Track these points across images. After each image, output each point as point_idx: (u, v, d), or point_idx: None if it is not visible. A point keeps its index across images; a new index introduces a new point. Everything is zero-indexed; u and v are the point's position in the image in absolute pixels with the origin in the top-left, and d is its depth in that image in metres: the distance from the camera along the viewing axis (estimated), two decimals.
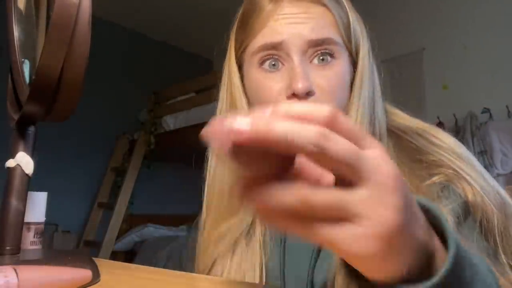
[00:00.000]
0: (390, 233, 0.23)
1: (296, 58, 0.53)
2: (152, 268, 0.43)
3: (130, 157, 3.21)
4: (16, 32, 0.42)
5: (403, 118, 0.59)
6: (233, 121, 0.23)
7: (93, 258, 0.44)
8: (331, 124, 0.23)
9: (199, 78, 2.72)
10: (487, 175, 0.51)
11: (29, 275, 0.31)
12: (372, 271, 0.25)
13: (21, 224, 0.40)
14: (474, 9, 2.77)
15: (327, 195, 0.23)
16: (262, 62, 0.55)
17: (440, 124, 2.55)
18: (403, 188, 0.24)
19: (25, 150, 0.40)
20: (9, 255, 0.38)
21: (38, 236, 0.48)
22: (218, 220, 0.59)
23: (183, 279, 0.39)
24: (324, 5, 0.55)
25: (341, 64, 0.55)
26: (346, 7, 0.56)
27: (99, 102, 3.01)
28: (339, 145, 0.22)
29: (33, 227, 0.48)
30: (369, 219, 0.23)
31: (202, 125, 0.24)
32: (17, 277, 0.30)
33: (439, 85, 2.85)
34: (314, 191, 0.23)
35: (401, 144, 0.55)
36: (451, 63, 2.81)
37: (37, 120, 0.40)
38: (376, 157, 0.24)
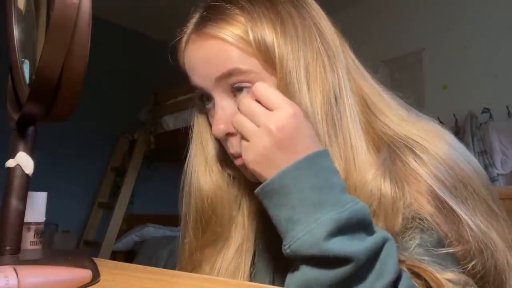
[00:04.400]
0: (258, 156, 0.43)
1: (214, 97, 0.52)
2: (151, 268, 0.43)
3: (130, 157, 3.21)
4: (16, 32, 0.42)
5: (397, 124, 0.52)
6: None
7: (93, 258, 0.44)
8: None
9: None
10: (466, 205, 0.46)
11: (29, 275, 0.31)
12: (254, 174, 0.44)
13: (21, 224, 0.40)
14: (474, 9, 2.77)
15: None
16: (200, 99, 0.56)
17: (439, 125, 2.54)
18: (278, 134, 0.42)
19: (25, 150, 0.40)
20: (9, 255, 0.38)
21: (38, 236, 0.48)
22: (198, 230, 0.58)
23: (183, 279, 0.39)
24: (217, 37, 0.50)
25: None
26: (246, 24, 0.49)
27: (99, 102, 3.01)
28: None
29: (33, 227, 0.48)
30: (252, 142, 0.43)
31: None
32: (17, 277, 0.30)
33: (439, 85, 2.85)
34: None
35: (390, 157, 0.50)
36: (451, 63, 2.81)
37: (37, 120, 0.40)
38: (274, 114, 0.43)
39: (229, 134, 0.51)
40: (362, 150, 0.50)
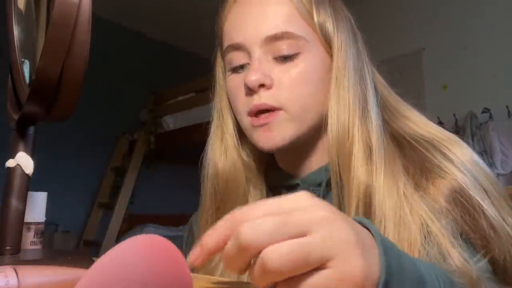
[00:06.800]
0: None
1: (255, 55, 0.51)
2: None
3: (130, 157, 3.20)
4: (16, 32, 0.42)
5: (418, 125, 0.55)
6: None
7: (93, 258, 0.43)
8: None
9: (199, 78, 2.71)
10: (495, 201, 0.47)
11: (29, 275, 0.31)
12: None
13: (21, 224, 0.40)
14: (474, 9, 2.77)
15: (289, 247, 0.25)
16: (230, 64, 0.54)
17: (440, 124, 2.54)
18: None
19: (25, 150, 0.40)
20: (9, 255, 0.38)
21: (38, 236, 0.48)
22: (211, 214, 0.57)
23: None
24: None
25: (308, 58, 0.51)
26: None
27: (99, 102, 3.01)
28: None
29: (33, 227, 0.48)
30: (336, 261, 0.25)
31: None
32: (17, 277, 0.30)
33: (439, 85, 2.85)
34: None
35: (409, 154, 0.51)
36: (451, 63, 2.81)
37: (37, 120, 0.40)
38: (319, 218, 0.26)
39: (261, 86, 0.50)
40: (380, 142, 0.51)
